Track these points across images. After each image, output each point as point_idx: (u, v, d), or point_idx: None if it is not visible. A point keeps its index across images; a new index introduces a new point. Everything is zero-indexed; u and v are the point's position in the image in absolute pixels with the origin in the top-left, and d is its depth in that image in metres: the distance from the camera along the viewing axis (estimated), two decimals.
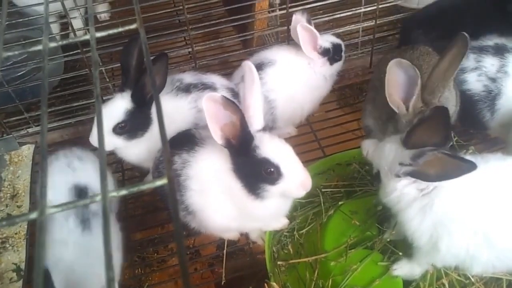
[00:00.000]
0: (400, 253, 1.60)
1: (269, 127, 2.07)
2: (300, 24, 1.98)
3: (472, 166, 1.23)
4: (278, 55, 2.13)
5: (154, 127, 1.82)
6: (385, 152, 1.40)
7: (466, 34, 1.51)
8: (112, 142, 1.78)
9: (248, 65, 1.44)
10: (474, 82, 1.89)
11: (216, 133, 1.37)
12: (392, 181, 1.39)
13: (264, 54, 2.15)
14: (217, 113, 1.34)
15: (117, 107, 1.75)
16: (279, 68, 2.09)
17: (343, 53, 2.21)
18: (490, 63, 1.88)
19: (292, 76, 2.11)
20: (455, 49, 1.54)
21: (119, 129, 1.76)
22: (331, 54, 2.13)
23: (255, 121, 1.45)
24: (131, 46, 1.74)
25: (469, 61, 1.91)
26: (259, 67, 2.04)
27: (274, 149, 1.42)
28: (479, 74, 1.88)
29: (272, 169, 1.41)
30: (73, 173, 1.75)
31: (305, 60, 2.11)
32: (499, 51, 1.89)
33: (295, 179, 1.44)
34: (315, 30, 2.03)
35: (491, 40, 1.94)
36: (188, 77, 1.97)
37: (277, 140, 1.45)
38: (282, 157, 1.42)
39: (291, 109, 2.14)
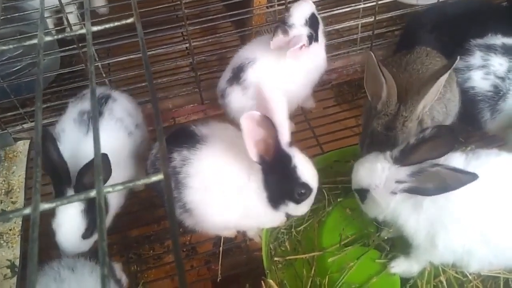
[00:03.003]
0: (399, 254, 1.59)
1: None
2: (273, 41, 1.87)
3: (472, 177, 1.24)
4: (256, 52, 2.04)
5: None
6: (377, 172, 1.39)
7: (459, 58, 1.53)
8: (89, 243, 1.61)
9: (258, 88, 1.43)
10: (480, 80, 1.87)
11: (252, 151, 1.37)
12: (387, 198, 1.40)
13: (242, 54, 2.08)
14: (254, 131, 1.34)
15: (72, 217, 1.54)
16: (260, 65, 2.02)
17: (319, 24, 2.05)
18: (498, 62, 1.85)
19: (275, 70, 2.01)
20: (441, 61, 1.55)
21: (89, 234, 1.58)
22: (307, 35, 1.95)
23: (283, 137, 1.43)
24: (46, 145, 1.51)
25: (475, 58, 1.88)
26: (241, 69, 2.01)
27: (312, 172, 1.50)
28: (487, 73, 1.86)
29: (305, 191, 1.48)
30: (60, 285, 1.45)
31: (284, 51, 1.97)
32: (508, 51, 1.87)
33: (311, 201, 1.55)
34: (286, 37, 1.90)
35: (499, 39, 1.92)
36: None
37: (308, 161, 1.50)
38: (315, 181, 1.51)
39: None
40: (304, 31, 1.96)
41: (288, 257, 1.71)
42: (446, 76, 1.52)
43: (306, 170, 1.47)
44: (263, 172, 1.46)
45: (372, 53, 1.58)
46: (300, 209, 1.54)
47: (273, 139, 1.37)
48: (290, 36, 1.91)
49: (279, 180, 1.46)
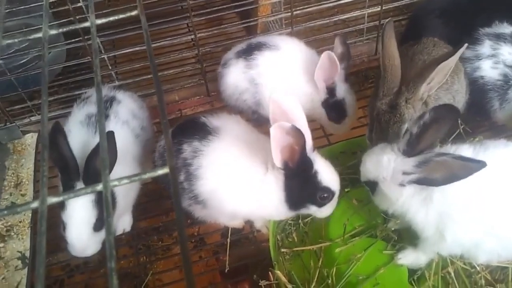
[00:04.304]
0: (406, 245, 1.59)
1: (252, 110, 2.03)
2: (327, 52, 1.80)
3: (480, 165, 1.22)
4: (284, 44, 2.00)
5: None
6: (384, 164, 1.38)
7: (466, 45, 1.52)
8: (99, 240, 1.57)
9: (273, 100, 1.40)
10: (489, 69, 1.85)
11: (277, 157, 1.39)
12: (396, 190, 1.39)
13: (271, 37, 2.06)
14: (282, 138, 1.35)
15: (82, 208, 1.52)
16: (278, 56, 1.97)
17: (341, 123, 2.02)
18: (507, 51, 1.84)
19: (286, 70, 1.96)
20: (448, 51, 1.53)
21: (100, 226, 1.54)
22: (330, 99, 1.97)
23: (308, 144, 1.44)
24: (53, 138, 1.50)
25: (485, 47, 1.87)
26: (259, 47, 1.97)
27: (333, 176, 1.52)
28: (496, 62, 1.84)
29: (327, 195, 1.51)
30: None
31: (306, 66, 1.96)
32: None
33: (334, 203, 1.57)
34: (339, 66, 1.86)
35: (508, 28, 1.89)
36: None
37: (329, 165, 1.53)
38: (337, 185, 1.53)
39: None
40: (340, 91, 1.97)
41: (295, 248, 1.71)
42: (453, 59, 1.50)
43: (327, 175, 1.50)
44: (285, 176, 1.47)
45: (392, 19, 1.59)
46: (324, 211, 1.57)
47: (300, 146, 1.37)
48: (334, 65, 1.85)
49: (300, 185, 1.49)
